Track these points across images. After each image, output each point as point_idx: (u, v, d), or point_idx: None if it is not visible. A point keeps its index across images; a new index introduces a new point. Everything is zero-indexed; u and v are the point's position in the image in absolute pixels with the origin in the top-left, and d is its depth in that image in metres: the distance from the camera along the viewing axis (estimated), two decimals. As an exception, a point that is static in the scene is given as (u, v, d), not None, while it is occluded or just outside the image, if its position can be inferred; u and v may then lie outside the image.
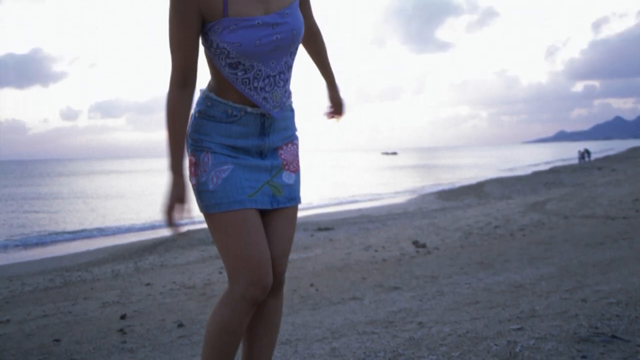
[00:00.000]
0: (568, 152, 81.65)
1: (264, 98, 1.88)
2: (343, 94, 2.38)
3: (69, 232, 17.81)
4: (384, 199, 24.83)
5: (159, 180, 48.03)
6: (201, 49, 1.85)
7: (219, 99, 1.88)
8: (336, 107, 2.39)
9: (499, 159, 78.70)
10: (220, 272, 7.47)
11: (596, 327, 2.82)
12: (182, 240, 11.95)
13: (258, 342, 2.03)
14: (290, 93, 1.99)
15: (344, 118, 2.43)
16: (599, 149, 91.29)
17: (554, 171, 32.11)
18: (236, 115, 1.88)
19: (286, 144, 2.02)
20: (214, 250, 10.13)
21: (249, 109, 1.88)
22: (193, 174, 1.89)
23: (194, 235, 12.23)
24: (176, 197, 1.84)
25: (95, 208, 26.95)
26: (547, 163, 52.31)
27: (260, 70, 1.84)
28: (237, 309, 1.85)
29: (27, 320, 5.32)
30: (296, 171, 2.03)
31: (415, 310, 4.04)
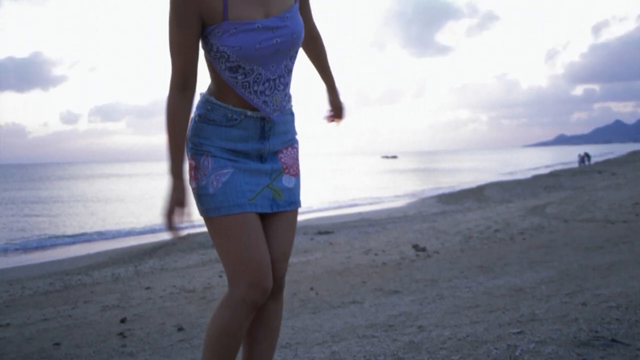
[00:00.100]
0: (568, 156, 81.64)
1: (264, 102, 1.88)
2: (343, 97, 2.38)
3: (69, 236, 17.80)
4: (384, 203, 24.82)
5: (159, 184, 48.05)
6: (201, 52, 1.85)
7: (219, 102, 1.88)
8: (336, 111, 2.39)
9: (499, 163, 78.70)
10: (221, 276, 7.47)
11: (596, 331, 2.82)
12: (182, 244, 11.95)
13: (258, 346, 2.03)
14: (290, 97, 1.99)
15: (344, 122, 2.43)
16: (599, 152, 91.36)
17: (554, 175, 32.10)
18: (236, 119, 1.88)
19: (286, 148, 2.02)
20: (214, 253, 10.12)
21: (249, 113, 1.88)
22: (193, 178, 1.89)
23: (194, 239, 12.22)
24: (176, 201, 1.84)
25: (95, 212, 26.94)
26: (547, 167, 52.30)
27: (260, 74, 1.85)
28: (237, 312, 1.85)
29: (27, 324, 5.32)
30: (296, 175, 2.04)
31: (415, 313, 4.04)
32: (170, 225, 1.84)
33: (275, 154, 1.98)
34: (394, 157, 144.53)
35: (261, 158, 1.95)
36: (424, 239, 9.87)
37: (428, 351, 2.89)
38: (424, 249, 8.33)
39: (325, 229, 13.38)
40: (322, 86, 2.35)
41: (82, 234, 18.08)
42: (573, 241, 7.52)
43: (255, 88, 1.86)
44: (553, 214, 12.06)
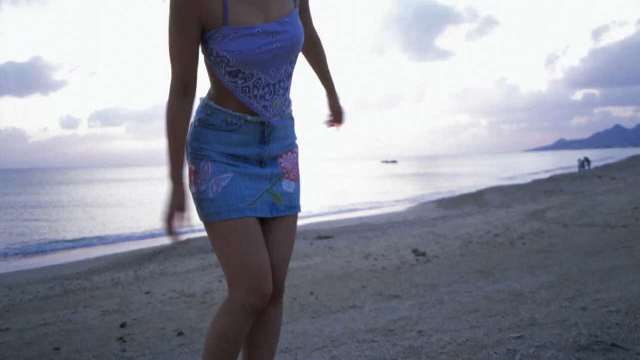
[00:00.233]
0: (568, 161, 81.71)
1: (264, 106, 1.89)
2: (343, 102, 2.39)
3: (69, 241, 17.80)
4: (384, 208, 24.82)
5: (159, 188, 48.05)
6: (201, 57, 1.86)
7: (219, 107, 1.88)
8: (336, 116, 2.40)
9: (499, 168, 78.70)
10: (220, 281, 7.47)
11: (596, 336, 2.82)
12: (182, 249, 11.94)
13: (258, 351, 2.03)
14: (290, 101, 2.00)
15: (344, 126, 2.44)
16: (599, 157, 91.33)
17: (554, 180, 32.10)
18: (236, 124, 1.88)
19: (286, 153, 2.02)
20: (214, 258, 10.12)
21: (249, 118, 1.89)
22: (193, 183, 1.90)
23: (194, 244, 12.22)
24: (176, 206, 1.84)
25: (95, 216, 26.94)
26: (547, 171, 52.30)
27: (260, 79, 1.85)
28: (237, 317, 1.85)
29: (27, 329, 5.31)
30: (296, 180, 2.04)
31: (415, 318, 4.03)
32: (170, 230, 1.84)
33: (275, 158, 1.99)
34: (394, 162, 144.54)
35: (261, 163, 1.95)
36: (424, 244, 9.87)
37: (428, 356, 2.89)
38: (424, 254, 8.33)
39: (325, 234, 13.37)
40: (322, 91, 2.35)
41: (82, 239, 18.08)
42: (573, 246, 7.52)
43: (255, 93, 1.86)
44: (553, 218, 12.06)
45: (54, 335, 4.91)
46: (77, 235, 19.08)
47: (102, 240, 17.71)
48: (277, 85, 1.89)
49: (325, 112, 2.40)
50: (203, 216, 1.89)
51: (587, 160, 42.87)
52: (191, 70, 1.82)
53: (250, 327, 1.97)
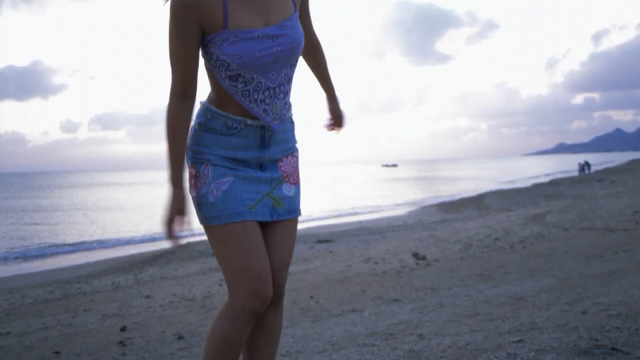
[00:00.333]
0: (568, 164, 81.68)
1: (264, 110, 1.89)
2: (343, 106, 2.39)
3: (69, 245, 17.80)
4: (384, 211, 24.82)
5: (159, 192, 48.03)
6: (201, 61, 1.86)
7: (219, 111, 1.88)
8: (336, 119, 2.40)
9: (499, 171, 78.71)
10: (220, 284, 7.46)
11: (596, 339, 2.82)
12: (182, 253, 11.93)
13: (258, 354, 2.03)
14: (290, 105, 2.00)
15: (344, 130, 2.44)
16: (599, 161, 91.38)
17: (554, 183, 32.10)
18: (236, 128, 1.89)
19: (286, 156, 2.03)
20: (214, 262, 10.11)
21: (249, 121, 1.89)
22: (193, 186, 1.90)
23: (194, 248, 12.21)
24: (176, 210, 1.84)
25: (95, 220, 26.94)
26: (547, 175, 52.30)
27: (260, 83, 1.85)
28: (237, 321, 1.85)
29: (27, 333, 5.31)
30: (296, 183, 2.04)
31: (415, 322, 4.03)
32: (170, 234, 1.84)
33: (275, 162, 1.99)
34: (394, 165, 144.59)
35: (261, 166, 1.95)
36: (424, 248, 9.87)
37: (428, 359, 2.89)
38: (424, 258, 8.33)
39: (325, 238, 13.37)
40: (322, 95, 2.36)
41: (82, 243, 18.08)
42: (573, 249, 7.52)
43: (255, 96, 1.86)
44: (553, 222, 12.06)
45: (54, 339, 4.90)
46: (77, 239, 19.08)
47: (102, 244, 17.71)
48: (277, 89, 1.90)
49: (325, 115, 2.40)
50: (203, 220, 1.89)
51: (587, 164, 42.88)
52: (191, 74, 1.82)
53: (251, 331, 1.96)
